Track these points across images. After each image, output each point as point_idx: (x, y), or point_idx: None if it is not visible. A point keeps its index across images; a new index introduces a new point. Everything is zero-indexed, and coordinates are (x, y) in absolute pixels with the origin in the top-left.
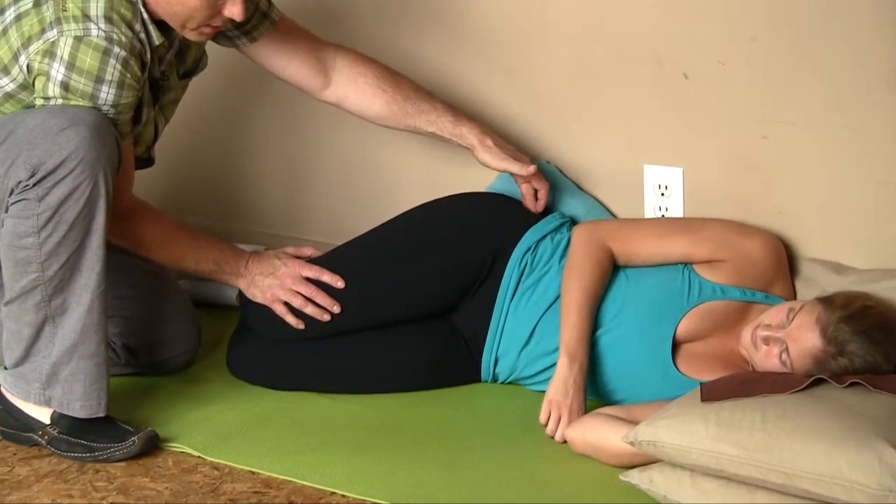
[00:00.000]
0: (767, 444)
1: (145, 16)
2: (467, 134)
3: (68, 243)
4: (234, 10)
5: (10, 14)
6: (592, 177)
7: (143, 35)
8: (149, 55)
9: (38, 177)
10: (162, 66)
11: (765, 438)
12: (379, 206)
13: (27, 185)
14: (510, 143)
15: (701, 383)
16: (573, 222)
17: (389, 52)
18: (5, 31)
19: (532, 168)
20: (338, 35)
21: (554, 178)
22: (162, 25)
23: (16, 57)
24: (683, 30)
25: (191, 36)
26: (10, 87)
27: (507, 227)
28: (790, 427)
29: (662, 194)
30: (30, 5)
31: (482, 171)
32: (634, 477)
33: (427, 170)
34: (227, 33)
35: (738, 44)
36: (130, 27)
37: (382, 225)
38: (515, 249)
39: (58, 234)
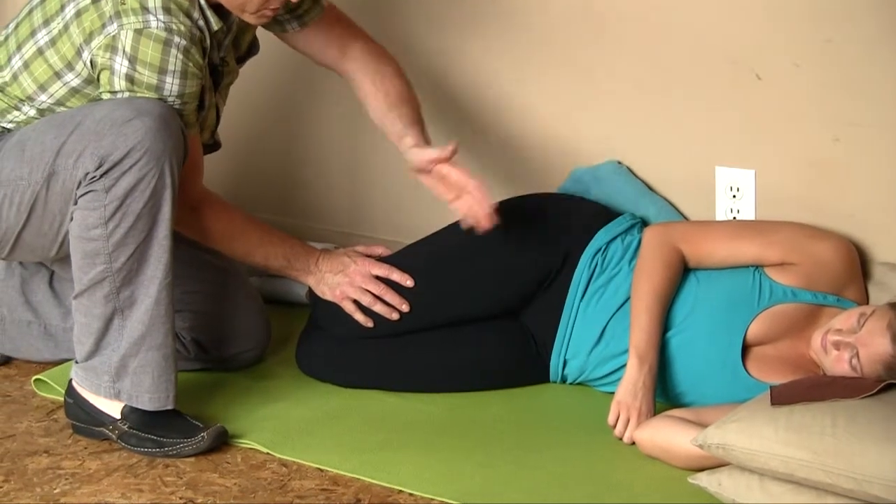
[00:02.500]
0: (837, 448)
1: (202, 2)
2: (406, 145)
3: (135, 234)
4: None
5: (69, 10)
6: (664, 178)
7: (201, 22)
8: (208, 41)
9: (104, 168)
10: (221, 51)
11: (835, 443)
12: (447, 205)
13: (94, 177)
14: (581, 143)
15: (771, 387)
16: (644, 224)
17: (458, 55)
18: (66, 27)
19: (450, 147)
20: (397, 30)
21: (625, 180)
22: (219, 10)
23: (79, 52)
24: (757, 30)
25: (250, 19)
26: (76, 82)
27: (577, 228)
28: (860, 432)
29: (734, 196)
30: (88, 1)
31: (551, 172)
32: (703, 480)
33: (496, 169)
34: (278, 17)
35: (813, 45)
36: (188, 15)
37: (452, 224)
38: (586, 250)
39: (125, 225)
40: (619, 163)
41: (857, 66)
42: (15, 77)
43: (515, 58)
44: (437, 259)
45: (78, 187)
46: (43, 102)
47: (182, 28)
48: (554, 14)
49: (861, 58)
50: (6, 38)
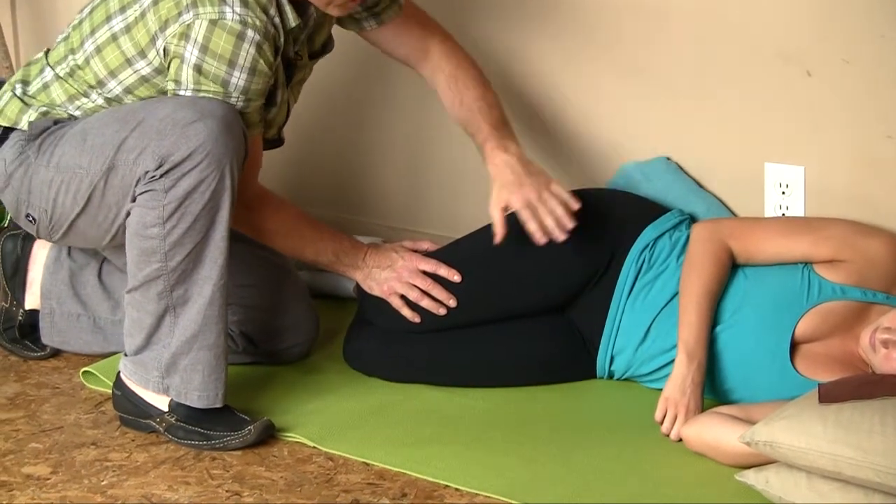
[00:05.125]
0: (886, 447)
1: None
2: (488, 157)
3: (192, 235)
4: None
5: None
6: (713, 174)
7: (277, 19)
8: (282, 38)
9: (165, 168)
10: (296, 46)
11: (884, 441)
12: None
13: (154, 176)
14: (631, 139)
15: (819, 384)
16: (692, 220)
17: (510, 48)
18: (143, 14)
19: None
20: (460, 31)
21: (674, 176)
22: (297, 5)
23: (153, 40)
24: (809, 27)
25: (334, 11)
26: (147, 70)
27: (625, 223)
28: None
29: (783, 193)
30: None
31: (601, 169)
32: (750, 477)
33: (545, 164)
34: (355, 15)
35: (865, 41)
36: (265, 11)
37: None
38: (633, 246)
39: (182, 225)
40: (669, 159)
41: None
42: (87, 61)
43: (566, 54)
44: (485, 255)
45: (137, 184)
46: (111, 90)
47: (257, 23)
48: (605, 11)
49: None
50: (80, 22)
